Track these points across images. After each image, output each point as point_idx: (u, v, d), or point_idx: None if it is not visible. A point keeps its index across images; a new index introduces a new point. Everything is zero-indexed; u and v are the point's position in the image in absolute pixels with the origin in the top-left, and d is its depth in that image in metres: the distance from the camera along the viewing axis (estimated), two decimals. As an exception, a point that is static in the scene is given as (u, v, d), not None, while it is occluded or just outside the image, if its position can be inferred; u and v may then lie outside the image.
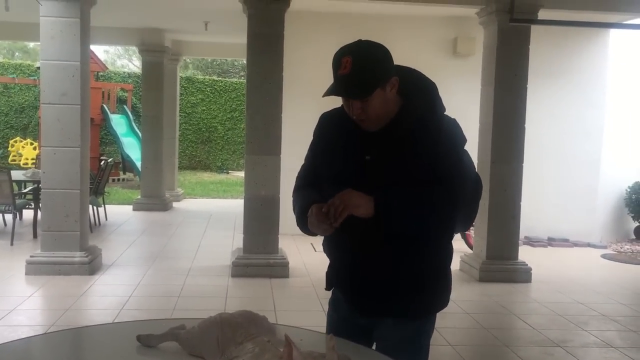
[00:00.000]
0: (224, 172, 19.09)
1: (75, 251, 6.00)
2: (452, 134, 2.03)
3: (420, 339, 2.12)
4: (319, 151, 2.18)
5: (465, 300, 5.62)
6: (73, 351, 1.97)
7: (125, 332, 2.06)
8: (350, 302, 2.16)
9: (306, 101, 7.10)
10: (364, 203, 1.91)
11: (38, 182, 7.18)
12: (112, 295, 5.41)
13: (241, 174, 7.01)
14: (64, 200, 5.93)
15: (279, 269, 6.25)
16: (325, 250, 2.23)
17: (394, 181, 1.94)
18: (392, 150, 1.99)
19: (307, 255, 7.05)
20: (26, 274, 5.87)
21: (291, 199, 2.22)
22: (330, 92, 1.96)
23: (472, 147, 2.29)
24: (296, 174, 2.27)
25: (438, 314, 2.16)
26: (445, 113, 2.06)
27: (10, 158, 16.22)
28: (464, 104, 6.52)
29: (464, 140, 2.06)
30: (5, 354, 1.82)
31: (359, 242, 2.04)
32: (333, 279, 2.22)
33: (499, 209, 6.49)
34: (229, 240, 7.92)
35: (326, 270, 2.25)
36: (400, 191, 1.93)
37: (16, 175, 8.20)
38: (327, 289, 2.27)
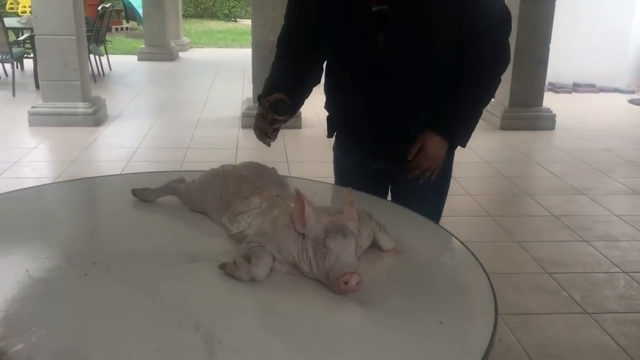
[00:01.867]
0: (232, 20, 18.26)
1: (78, 102, 5.74)
2: None
3: (439, 181, 1.91)
4: (310, 5, 1.84)
5: (485, 149, 5.38)
6: (63, 203, 1.76)
7: (122, 184, 1.84)
8: (363, 148, 1.96)
9: None
10: (444, 150, 1.81)
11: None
12: (118, 147, 5.23)
13: (250, 22, 6.49)
14: (59, 48, 5.55)
15: (291, 120, 5.95)
16: (326, 92, 2.00)
17: (411, 44, 1.73)
18: None
19: (320, 106, 6.72)
20: (29, 125, 5.67)
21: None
22: None
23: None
24: None
25: (457, 164, 1.97)
26: None
27: (8, 6, 15.47)
28: None
29: None
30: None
31: (372, 87, 1.80)
32: (340, 124, 2.00)
33: (526, 52, 6.04)
34: (238, 90, 7.60)
35: (327, 115, 2.04)
36: (462, 114, 1.80)
37: (10, 22, 7.76)
38: (329, 136, 2.08)
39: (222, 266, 1.29)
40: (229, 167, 1.67)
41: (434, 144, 1.79)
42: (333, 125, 2.04)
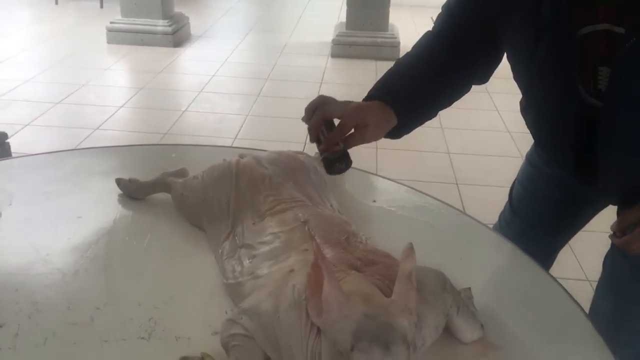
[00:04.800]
0: None
1: (158, 19, 5.33)
2: None
3: None
4: None
5: None
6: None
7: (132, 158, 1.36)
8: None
9: None
10: None
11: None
12: (193, 73, 4.80)
13: None
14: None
15: (388, 50, 5.25)
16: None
17: None
18: None
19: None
20: (107, 42, 5.35)
21: None
22: None
23: None
24: None
25: None
26: None
27: None
28: None
29: None
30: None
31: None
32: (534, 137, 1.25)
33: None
34: (334, 11, 6.89)
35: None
36: None
37: None
38: None
39: (184, 362, 0.78)
40: (247, 160, 1.13)
41: None
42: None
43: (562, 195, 1.28)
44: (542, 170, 1.30)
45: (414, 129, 1.15)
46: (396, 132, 1.12)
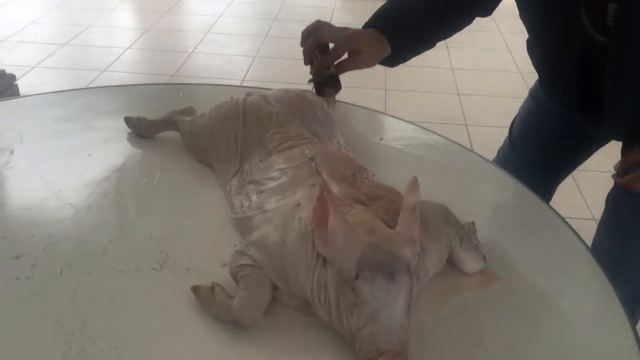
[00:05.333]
0: None
1: (163, -42, 5.20)
2: None
3: None
4: None
5: None
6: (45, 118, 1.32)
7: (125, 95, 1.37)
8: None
9: None
10: None
11: None
12: (200, 13, 4.72)
13: None
14: None
15: None
16: None
17: None
18: None
19: None
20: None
21: None
22: None
23: None
24: None
25: None
26: None
27: None
28: None
29: None
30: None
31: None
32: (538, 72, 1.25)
33: None
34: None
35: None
36: None
37: None
38: None
39: (195, 291, 0.81)
40: (254, 98, 1.14)
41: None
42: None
43: (563, 131, 1.28)
44: (544, 106, 1.29)
45: (410, 58, 1.15)
46: (390, 61, 1.13)
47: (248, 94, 1.17)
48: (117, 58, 3.76)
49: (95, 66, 3.62)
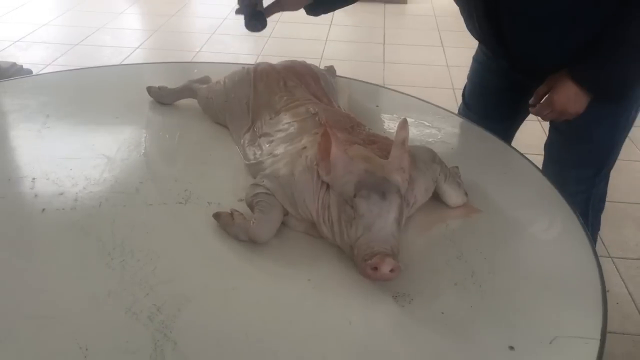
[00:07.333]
0: None
1: (169, -36, 5.37)
2: None
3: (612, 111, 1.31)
4: None
5: None
6: (72, 91, 1.46)
7: (135, 75, 1.51)
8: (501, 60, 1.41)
9: None
10: (578, 106, 1.22)
11: None
12: (206, 16, 4.88)
13: None
14: None
15: (396, -7, 5.31)
16: None
17: None
18: None
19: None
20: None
21: None
22: None
23: None
24: None
25: None
26: None
27: None
28: None
29: None
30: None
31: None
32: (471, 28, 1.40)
33: None
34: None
35: None
36: (615, 59, 1.17)
37: None
38: None
39: (216, 216, 0.94)
40: (264, 66, 1.28)
41: (565, 92, 1.21)
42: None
43: (503, 84, 1.44)
44: (485, 64, 1.48)
45: (332, 10, 1.41)
46: (314, 10, 1.38)
47: (257, 65, 1.31)
48: (127, 57, 3.91)
49: (106, 65, 3.76)
